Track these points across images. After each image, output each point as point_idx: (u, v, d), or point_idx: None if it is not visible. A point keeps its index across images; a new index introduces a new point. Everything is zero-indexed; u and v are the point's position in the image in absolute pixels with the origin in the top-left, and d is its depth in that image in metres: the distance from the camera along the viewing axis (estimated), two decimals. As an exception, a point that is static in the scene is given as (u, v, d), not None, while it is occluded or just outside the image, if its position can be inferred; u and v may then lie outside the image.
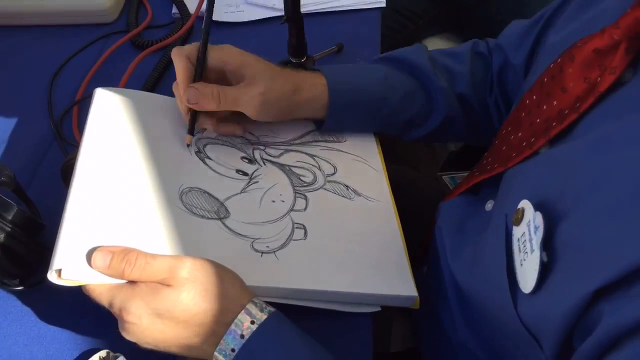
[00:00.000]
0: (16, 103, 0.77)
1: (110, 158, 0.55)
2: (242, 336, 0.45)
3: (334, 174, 0.65)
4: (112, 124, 0.58)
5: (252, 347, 0.45)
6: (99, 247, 0.47)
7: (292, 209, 0.60)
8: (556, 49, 0.52)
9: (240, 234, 0.55)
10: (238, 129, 0.65)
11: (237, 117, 0.64)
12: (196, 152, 0.61)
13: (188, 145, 0.61)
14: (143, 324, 0.45)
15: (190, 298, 0.45)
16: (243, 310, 0.46)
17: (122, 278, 0.46)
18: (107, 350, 0.52)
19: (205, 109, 0.59)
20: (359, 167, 0.67)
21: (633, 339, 0.35)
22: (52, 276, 0.46)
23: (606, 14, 0.48)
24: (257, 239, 0.56)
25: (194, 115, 0.60)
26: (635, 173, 0.38)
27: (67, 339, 0.54)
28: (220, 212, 0.56)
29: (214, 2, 0.59)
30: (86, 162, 0.54)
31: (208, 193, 0.58)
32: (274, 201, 0.60)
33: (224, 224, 0.56)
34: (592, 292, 0.37)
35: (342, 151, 0.68)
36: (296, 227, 0.58)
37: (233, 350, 0.45)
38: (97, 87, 0.61)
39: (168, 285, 0.46)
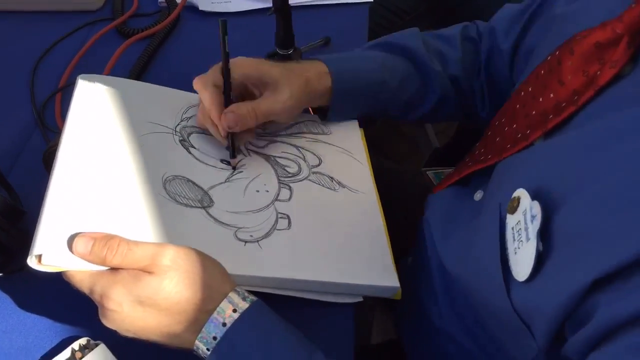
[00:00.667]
0: (-2, 89, 0.76)
1: (93, 145, 0.54)
2: (224, 324, 0.45)
3: (318, 165, 0.65)
4: (94, 110, 0.58)
5: (234, 335, 0.45)
6: (80, 233, 0.46)
7: (276, 199, 0.60)
8: (569, 18, 0.51)
9: (223, 223, 0.55)
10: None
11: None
12: (180, 141, 0.61)
13: (234, 169, 0.61)
14: (124, 311, 0.45)
15: (172, 285, 0.45)
16: (225, 299, 0.46)
17: (103, 264, 0.46)
18: (87, 338, 0.52)
19: (245, 128, 0.60)
20: (344, 159, 0.67)
21: (628, 331, 0.35)
22: (32, 261, 0.46)
23: None
24: (241, 228, 0.56)
25: (234, 138, 0.60)
26: (634, 164, 0.38)
27: (47, 326, 0.54)
28: (204, 201, 0.56)
29: (226, 25, 0.58)
30: (68, 148, 0.53)
31: (192, 182, 0.57)
32: (258, 191, 0.60)
33: (207, 212, 0.55)
34: (589, 282, 0.37)
35: (327, 143, 0.68)
36: (280, 217, 0.58)
37: (215, 338, 0.45)
38: (80, 74, 0.61)
39: (150, 272, 0.45)
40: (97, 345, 0.51)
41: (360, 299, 0.57)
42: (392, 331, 0.78)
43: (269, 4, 0.70)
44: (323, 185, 0.63)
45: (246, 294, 0.48)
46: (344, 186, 0.64)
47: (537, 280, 0.42)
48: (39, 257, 0.46)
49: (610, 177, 0.39)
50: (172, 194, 0.55)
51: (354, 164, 0.67)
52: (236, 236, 0.55)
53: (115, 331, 0.47)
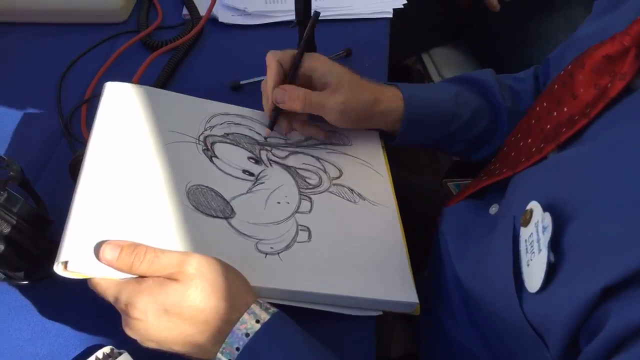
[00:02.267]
0: (26, 100, 0.77)
1: (119, 153, 0.55)
2: (246, 335, 0.46)
3: (339, 177, 0.65)
4: (121, 118, 0.59)
5: (256, 346, 0.46)
6: (107, 240, 0.47)
7: (296, 211, 0.60)
8: (582, 43, 0.52)
9: (245, 234, 0.55)
10: (321, 132, 0.68)
11: (316, 120, 0.67)
12: (204, 150, 0.61)
13: (265, 139, 0.65)
14: (149, 320, 0.45)
15: (197, 293, 0.45)
16: (247, 310, 0.46)
17: (130, 271, 0.46)
18: (111, 347, 0.52)
19: (290, 108, 0.63)
20: (364, 171, 0.67)
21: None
22: (58, 268, 0.46)
23: (623, 17, 0.49)
24: (262, 239, 0.56)
25: (277, 112, 0.65)
26: None
27: (71, 334, 0.54)
28: (226, 212, 0.57)
29: (318, 16, 0.63)
30: (94, 155, 0.54)
31: (215, 191, 0.58)
32: (279, 202, 0.60)
33: (229, 223, 0.56)
34: (599, 290, 0.37)
35: (348, 155, 0.68)
36: (300, 229, 0.58)
37: (237, 349, 0.45)
38: (107, 82, 0.62)
39: (176, 280, 0.46)
40: (120, 354, 0.52)
41: (380, 313, 0.57)
42: (411, 345, 0.77)
43: (289, 18, 0.71)
44: (343, 198, 0.63)
45: (268, 306, 0.48)
46: (364, 198, 0.64)
47: (549, 291, 0.42)
48: (65, 264, 0.46)
49: (620, 186, 0.40)
50: (195, 203, 0.55)
51: (375, 176, 0.67)
52: (257, 248, 0.55)
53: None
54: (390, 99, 0.65)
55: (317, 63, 0.64)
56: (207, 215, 0.55)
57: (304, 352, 0.47)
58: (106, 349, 0.52)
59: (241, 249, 0.54)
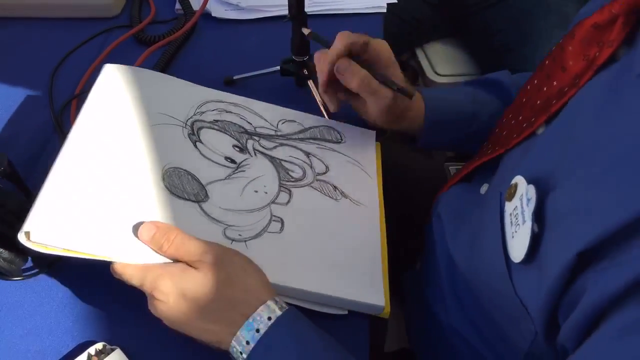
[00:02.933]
0: (17, 94, 0.77)
1: (103, 131, 0.56)
2: (257, 330, 0.46)
3: (325, 173, 0.65)
4: (111, 98, 0.60)
5: (269, 340, 0.46)
6: (145, 222, 0.50)
7: (273, 202, 0.60)
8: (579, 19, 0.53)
9: (214, 219, 0.55)
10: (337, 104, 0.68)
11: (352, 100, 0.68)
12: (189, 135, 0.61)
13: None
14: (170, 303, 0.47)
15: (212, 283, 0.47)
16: (262, 306, 0.47)
17: (159, 252, 0.49)
18: (103, 343, 0.52)
19: (346, 82, 0.63)
20: (353, 170, 0.67)
21: (622, 308, 0.35)
22: (21, 237, 0.47)
23: None
24: (231, 226, 0.56)
25: (330, 93, 0.66)
26: (624, 142, 0.39)
27: (63, 331, 0.54)
28: (200, 196, 0.57)
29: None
30: (78, 132, 0.55)
31: (191, 175, 0.58)
32: (256, 191, 0.60)
33: (200, 207, 0.56)
34: (573, 257, 0.38)
35: (338, 152, 0.68)
36: (274, 220, 0.58)
37: (248, 343, 0.46)
38: (107, 63, 0.63)
39: (195, 268, 0.48)
40: (113, 350, 0.51)
41: (345, 312, 0.56)
42: (405, 340, 0.77)
43: (282, 13, 0.71)
44: (324, 194, 0.63)
45: (283, 304, 0.48)
46: (346, 197, 0.63)
47: (534, 262, 0.43)
48: (28, 234, 0.47)
49: (599, 154, 0.40)
50: (170, 185, 0.56)
51: (362, 177, 0.67)
52: (224, 234, 0.55)
53: (131, 336, 0.49)
54: (416, 105, 0.67)
55: (383, 51, 0.64)
56: (179, 197, 0.55)
57: (318, 342, 0.48)
58: (99, 345, 0.52)
59: (208, 233, 0.53)
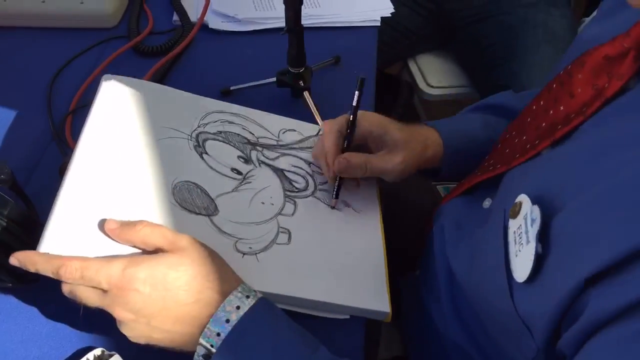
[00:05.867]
0: (16, 103, 0.77)
1: (110, 146, 0.56)
2: (227, 321, 0.46)
3: (326, 182, 0.66)
4: (114, 112, 0.60)
5: (240, 329, 0.46)
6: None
7: (279, 213, 0.61)
8: (585, 44, 0.53)
9: (225, 232, 0.56)
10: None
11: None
12: (195, 147, 0.62)
13: (332, 208, 0.64)
14: (146, 292, 0.46)
15: (188, 262, 0.47)
16: (231, 294, 0.47)
17: (135, 234, 0.49)
18: (102, 349, 0.53)
19: (352, 177, 0.64)
20: (352, 179, 0.68)
21: (617, 324, 0.36)
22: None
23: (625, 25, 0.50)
24: (241, 239, 0.56)
25: (341, 182, 0.64)
26: (632, 171, 0.40)
27: (62, 337, 0.55)
28: (210, 209, 0.57)
29: (363, 82, 0.64)
30: (85, 149, 0.55)
31: (200, 188, 0.58)
32: (263, 203, 0.61)
33: (211, 220, 0.56)
34: (582, 281, 0.39)
35: None
36: (281, 231, 0.59)
37: (218, 334, 0.46)
38: (105, 75, 0.63)
39: (169, 251, 0.48)
40: (111, 356, 0.52)
41: (347, 317, 0.57)
42: (399, 347, 0.78)
43: (278, 25, 0.72)
44: (327, 203, 0.64)
45: (252, 291, 0.49)
46: (348, 205, 0.65)
47: (537, 282, 0.44)
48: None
49: (607, 182, 0.41)
50: (180, 200, 0.56)
51: (361, 184, 0.68)
52: (236, 247, 0.56)
53: (129, 342, 0.48)
54: (434, 142, 0.67)
55: (372, 125, 0.65)
56: (190, 212, 0.56)
57: (289, 330, 0.49)
58: (97, 351, 0.52)
59: (220, 247, 0.54)
